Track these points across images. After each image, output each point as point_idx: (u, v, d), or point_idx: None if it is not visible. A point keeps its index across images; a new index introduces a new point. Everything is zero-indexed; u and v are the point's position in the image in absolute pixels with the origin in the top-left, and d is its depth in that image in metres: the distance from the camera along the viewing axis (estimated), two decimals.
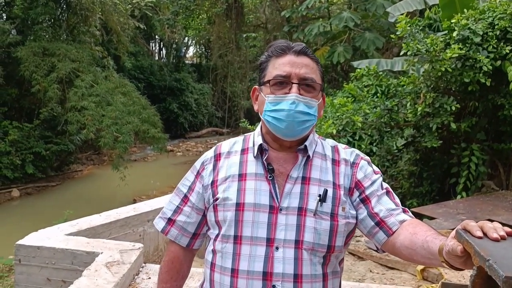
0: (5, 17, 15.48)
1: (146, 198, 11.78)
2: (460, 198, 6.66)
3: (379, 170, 1.53)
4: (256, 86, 1.55)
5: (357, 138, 8.01)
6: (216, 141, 23.95)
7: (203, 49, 31.90)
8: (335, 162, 1.50)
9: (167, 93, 24.72)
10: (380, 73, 7.96)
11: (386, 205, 1.44)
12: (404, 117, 7.38)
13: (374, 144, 8.02)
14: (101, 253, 3.48)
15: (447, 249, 1.06)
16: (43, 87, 12.77)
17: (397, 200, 1.47)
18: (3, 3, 15.62)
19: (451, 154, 7.13)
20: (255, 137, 1.53)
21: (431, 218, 5.79)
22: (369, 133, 7.83)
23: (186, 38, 29.76)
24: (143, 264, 3.78)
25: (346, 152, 1.54)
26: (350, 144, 7.87)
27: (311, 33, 13.45)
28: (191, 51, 33.02)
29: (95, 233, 4.03)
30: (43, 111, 13.63)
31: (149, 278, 3.59)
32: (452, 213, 5.92)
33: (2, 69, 13.19)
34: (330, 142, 1.58)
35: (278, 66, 1.44)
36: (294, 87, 1.41)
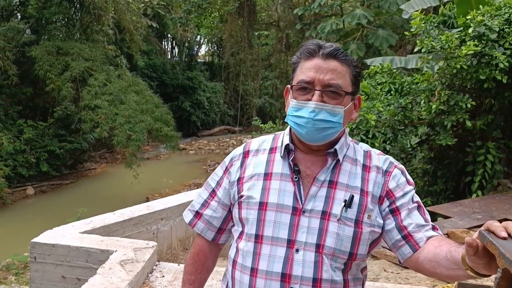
0: (19, 16, 15.64)
1: (159, 196, 11.84)
2: (475, 197, 6.57)
3: (412, 181, 1.48)
4: (288, 86, 1.52)
5: (370, 136, 7.94)
6: (228, 140, 24.01)
7: (215, 48, 31.92)
8: (366, 168, 1.46)
9: (180, 91, 24.78)
10: (394, 70, 7.88)
11: (416, 220, 1.40)
12: (418, 115, 7.30)
13: (388, 142, 7.93)
14: (115, 251, 3.49)
15: (466, 249, 1.04)
16: (57, 86, 12.89)
17: (427, 216, 1.43)
18: (18, 3, 15.78)
19: (466, 152, 7.04)
20: (284, 136, 1.52)
21: (446, 217, 5.72)
22: (382, 131, 7.75)
23: (199, 37, 29.78)
24: (157, 263, 3.79)
25: (380, 159, 1.49)
26: (363, 142, 7.81)
27: (324, 31, 13.38)
28: (203, 49, 33.08)
29: (109, 231, 4.05)
30: (57, 110, 13.77)
31: (163, 276, 3.60)
32: (467, 212, 5.85)
33: (17, 68, 13.32)
34: (363, 146, 1.53)
35: (304, 70, 1.41)
36: (316, 95, 1.37)
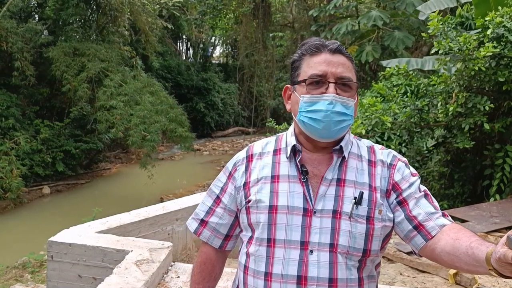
0: (37, 18, 15.86)
1: (173, 197, 11.89)
2: (493, 201, 6.48)
3: (416, 172, 1.48)
4: (288, 85, 1.51)
5: (386, 138, 7.89)
6: (242, 141, 24.03)
7: (230, 49, 32.00)
8: (371, 163, 1.46)
9: (194, 92, 24.88)
10: (410, 72, 7.82)
11: (424, 208, 1.38)
12: (434, 117, 7.23)
13: (404, 144, 7.88)
14: (131, 251, 3.51)
15: (498, 256, 1.01)
16: (73, 86, 13.02)
17: (436, 204, 1.42)
18: (36, 5, 16.00)
19: (484, 155, 6.94)
20: (288, 137, 1.50)
21: (463, 221, 5.65)
22: (398, 134, 7.70)
23: (213, 38, 29.91)
24: (172, 263, 3.80)
25: (383, 153, 1.49)
26: (378, 144, 7.76)
27: (339, 32, 13.32)
28: (218, 50, 33.19)
29: (124, 231, 4.07)
30: (73, 110, 13.90)
31: (178, 277, 3.60)
32: (485, 216, 5.77)
33: (34, 69, 13.49)
34: (366, 142, 1.53)
35: (314, 65, 1.40)
36: (331, 87, 1.37)
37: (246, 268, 1.46)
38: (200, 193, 5.47)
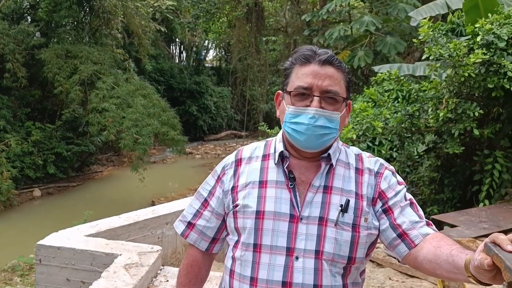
0: (29, 19, 15.79)
1: (164, 200, 11.86)
2: (482, 206, 6.52)
3: (403, 181, 1.49)
4: (280, 92, 1.51)
5: (377, 143, 7.91)
6: (235, 144, 24.02)
7: (223, 52, 32.03)
8: (359, 171, 1.47)
9: (187, 96, 24.86)
10: (402, 77, 7.87)
11: (409, 217, 1.40)
12: (425, 123, 7.27)
13: (395, 149, 7.92)
14: (120, 255, 3.50)
15: (476, 264, 1.03)
16: (66, 88, 12.99)
17: (421, 212, 1.43)
18: (28, 6, 15.93)
19: (474, 161, 6.99)
20: (277, 143, 1.50)
21: (453, 226, 5.68)
22: (389, 139, 7.73)
23: (206, 41, 29.90)
24: (161, 267, 3.79)
25: (370, 161, 1.50)
26: (369, 149, 7.80)
27: (332, 37, 13.37)
28: (211, 54, 33.21)
29: (114, 234, 4.06)
30: (65, 113, 13.85)
31: (167, 281, 3.60)
32: (474, 221, 5.80)
33: (26, 71, 13.43)
34: (354, 150, 1.54)
35: (301, 76, 1.40)
36: (315, 100, 1.37)
37: (232, 272, 1.47)
38: (191, 197, 5.47)
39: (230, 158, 1.57)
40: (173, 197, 12.81)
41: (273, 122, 20.89)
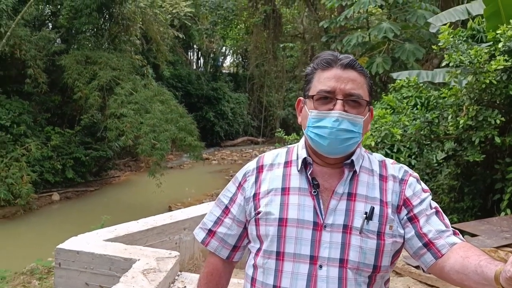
0: (51, 26, 16.08)
1: (181, 206, 11.91)
2: (504, 215, 6.40)
3: (428, 189, 1.46)
4: (301, 98, 1.50)
5: (395, 150, 7.83)
6: (251, 150, 24.04)
7: (240, 59, 32.19)
8: (383, 178, 1.44)
9: (204, 102, 24.99)
10: (421, 84, 7.79)
11: (435, 226, 1.37)
12: (444, 130, 7.18)
13: (413, 157, 7.82)
14: (138, 260, 3.51)
15: (508, 275, 1.00)
16: (85, 94, 13.16)
17: (447, 221, 1.40)
18: (50, 13, 16.21)
19: (495, 169, 6.87)
20: (299, 150, 1.48)
21: (473, 235, 5.58)
22: (408, 146, 7.65)
23: (224, 48, 30.09)
24: (179, 273, 3.79)
25: (394, 168, 1.47)
26: (388, 156, 7.72)
27: (350, 44, 13.33)
28: (228, 60, 33.40)
29: (132, 239, 4.08)
30: (84, 118, 14.02)
31: (185, 286, 3.60)
32: (495, 230, 5.69)
33: (46, 77, 13.66)
34: (377, 156, 1.52)
35: (323, 80, 1.39)
36: (339, 104, 1.35)
37: (253, 280, 1.45)
38: (208, 203, 5.48)
39: (252, 165, 1.55)
40: (189, 203, 12.85)
41: (290, 129, 20.90)
